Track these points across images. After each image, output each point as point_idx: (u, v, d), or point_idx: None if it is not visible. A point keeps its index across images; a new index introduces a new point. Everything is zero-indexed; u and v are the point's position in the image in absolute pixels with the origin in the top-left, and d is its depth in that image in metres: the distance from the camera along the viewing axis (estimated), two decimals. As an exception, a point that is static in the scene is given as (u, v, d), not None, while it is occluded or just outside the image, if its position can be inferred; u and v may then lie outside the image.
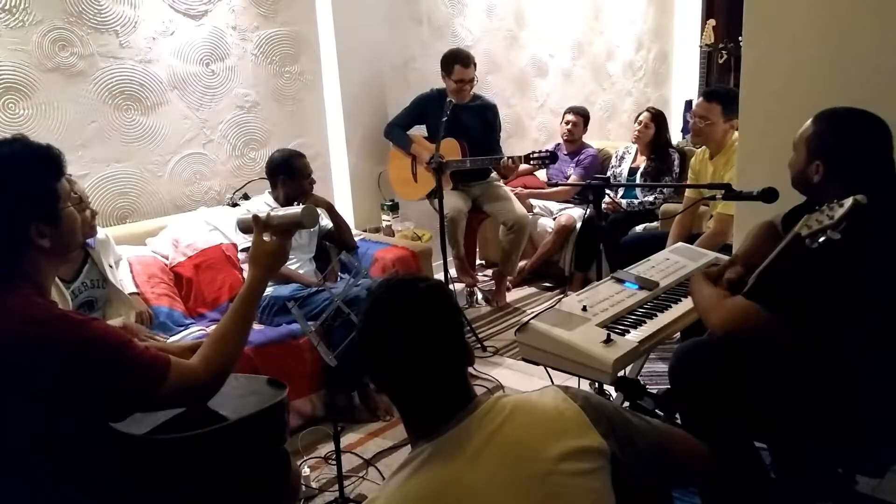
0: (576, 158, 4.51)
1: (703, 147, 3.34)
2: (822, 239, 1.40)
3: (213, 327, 1.58)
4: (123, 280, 2.64)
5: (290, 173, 3.01)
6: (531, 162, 3.72)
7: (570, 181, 4.41)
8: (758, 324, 1.57)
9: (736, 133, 3.18)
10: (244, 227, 1.70)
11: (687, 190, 3.40)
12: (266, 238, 1.60)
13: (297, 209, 1.63)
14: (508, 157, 3.67)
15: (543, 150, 3.73)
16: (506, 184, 4.19)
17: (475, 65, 3.81)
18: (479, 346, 3.49)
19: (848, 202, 1.38)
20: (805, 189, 1.74)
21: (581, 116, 4.55)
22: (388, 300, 1.11)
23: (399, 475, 1.06)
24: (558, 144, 4.62)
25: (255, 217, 1.61)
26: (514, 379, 3.12)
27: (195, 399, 1.45)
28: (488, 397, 1.11)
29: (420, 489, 1.02)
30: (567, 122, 4.54)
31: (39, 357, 1.24)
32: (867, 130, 1.64)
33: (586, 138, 4.65)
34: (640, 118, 4.11)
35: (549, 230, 4.35)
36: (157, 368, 1.34)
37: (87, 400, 1.29)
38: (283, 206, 2.99)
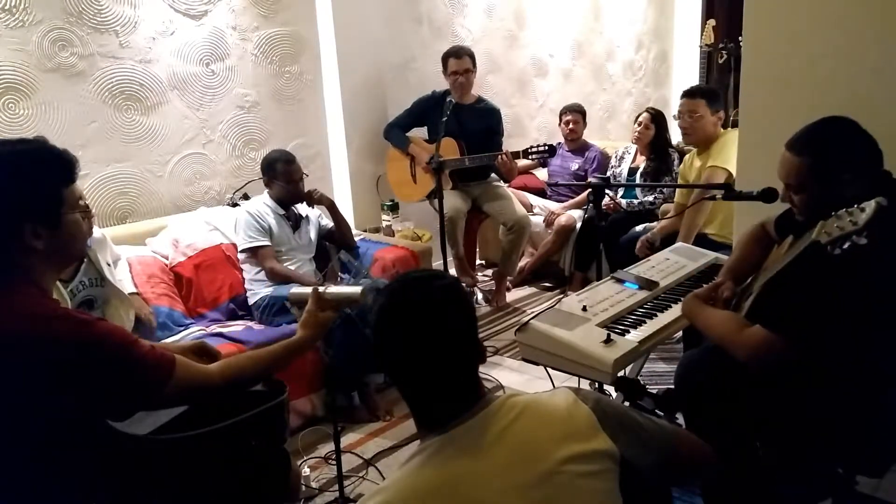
0: (582, 155, 4.53)
1: (693, 150, 3.34)
2: (846, 245, 1.38)
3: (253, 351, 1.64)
4: (123, 280, 2.64)
5: (272, 176, 3.02)
6: (530, 157, 3.72)
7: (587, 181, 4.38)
8: (782, 353, 1.56)
9: (724, 128, 3.21)
10: (297, 300, 1.79)
11: (677, 194, 3.40)
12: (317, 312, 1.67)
13: (356, 288, 1.71)
14: (507, 152, 3.67)
15: (542, 144, 3.73)
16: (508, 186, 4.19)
17: (471, 57, 3.84)
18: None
19: (871, 206, 1.36)
20: (831, 207, 1.69)
21: (580, 114, 4.57)
22: (404, 299, 1.11)
23: (407, 467, 1.06)
24: (560, 143, 4.62)
25: (315, 290, 1.69)
26: (514, 379, 3.12)
27: (199, 398, 1.45)
28: (498, 396, 1.12)
29: (428, 482, 1.02)
30: (567, 122, 4.54)
31: (43, 356, 1.24)
32: (849, 129, 1.63)
33: (586, 136, 4.65)
34: (640, 119, 4.11)
35: (549, 230, 4.36)
36: (162, 368, 1.34)
37: (92, 399, 1.29)
38: (277, 202, 3.03)
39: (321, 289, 1.72)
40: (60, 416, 1.29)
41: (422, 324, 1.08)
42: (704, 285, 1.99)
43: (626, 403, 2.03)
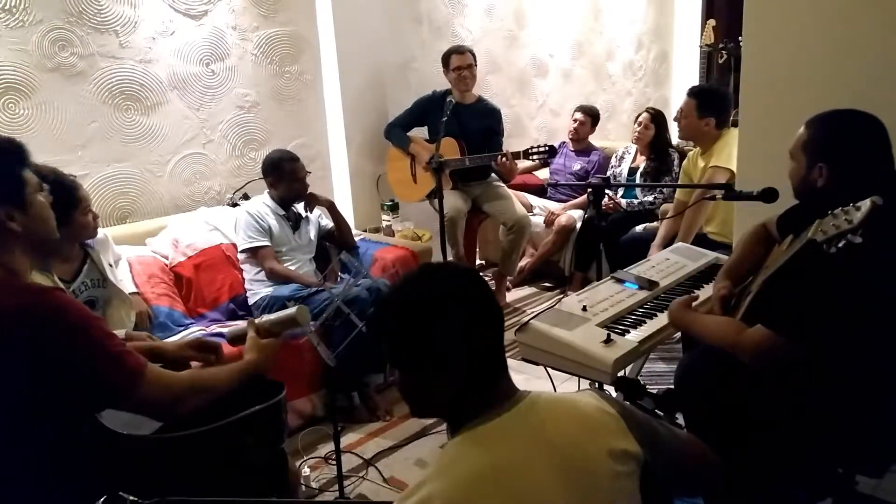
0: (585, 157, 4.54)
1: (697, 148, 3.35)
2: (841, 244, 1.39)
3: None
4: (123, 280, 2.64)
5: (278, 176, 3.02)
6: (531, 157, 3.72)
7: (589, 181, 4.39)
8: (785, 354, 1.56)
9: (721, 131, 3.21)
10: (234, 336, 1.79)
11: (677, 192, 3.41)
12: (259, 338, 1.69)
13: (291, 309, 1.75)
14: (508, 152, 3.67)
15: (542, 144, 3.73)
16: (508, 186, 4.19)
17: (472, 54, 3.86)
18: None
19: (866, 205, 1.37)
20: (809, 196, 1.72)
21: (590, 116, 4.57)
22: (456, 288, 1.10)
23: (445, 460, 1.04)
24: (563, 143, 4.63)
25: (250, 322, 1.73)
26: (514, 379, 3.10)
27: (168, 401, 1.43)
28: (528, 392, 1.13)
29: (471, 472, 1.00)
30: (575, 121, 4.56)
31: (10, 331, 1.25)
32: (864, 128, 1.64)
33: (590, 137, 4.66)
34: (640, 119, 4.11)
35: (550, 230, 4.35)
36: (131, 360, 1.35)
37: (64, 375, 1.29)
38: (279, 202, 3.05)
39: (255, 320, 1.77)
40: (45, 407, 1.29)
41: (476, 308, 1.09)
42: (704, 286, 1.99)
43: (626, 403, 2.03)
